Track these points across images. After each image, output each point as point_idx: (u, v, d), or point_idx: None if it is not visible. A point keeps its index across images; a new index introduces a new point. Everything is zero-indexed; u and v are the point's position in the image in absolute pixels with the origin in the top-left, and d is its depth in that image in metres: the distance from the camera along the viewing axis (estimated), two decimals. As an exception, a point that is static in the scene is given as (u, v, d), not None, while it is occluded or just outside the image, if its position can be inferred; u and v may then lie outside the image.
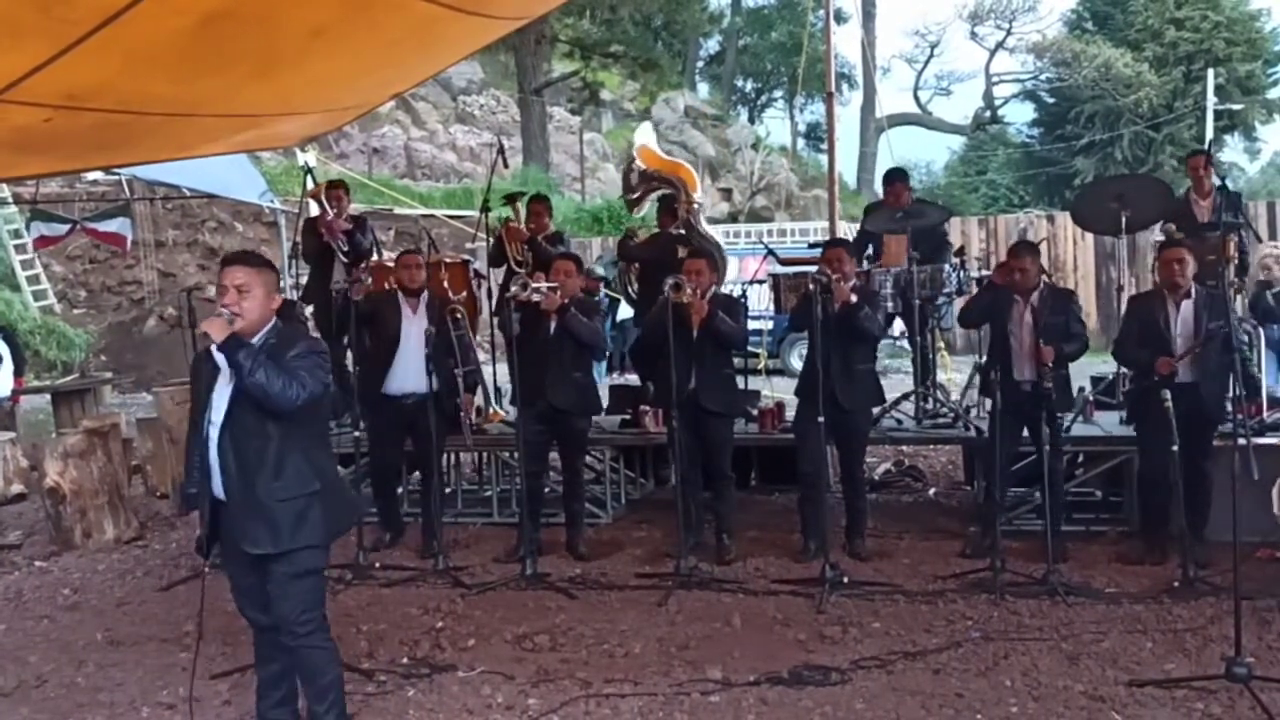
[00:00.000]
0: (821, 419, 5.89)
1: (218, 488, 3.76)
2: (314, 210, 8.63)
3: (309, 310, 8.50)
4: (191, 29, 3.29)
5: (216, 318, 3.66)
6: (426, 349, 6.44)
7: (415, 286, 6.65)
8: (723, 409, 6.50)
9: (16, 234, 16.56)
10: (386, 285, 7.16)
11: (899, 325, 7.93)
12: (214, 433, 3.74)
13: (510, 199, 8.29)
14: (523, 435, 6.36)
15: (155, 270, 18.33)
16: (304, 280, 8.74)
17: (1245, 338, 6.86)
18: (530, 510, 6.38)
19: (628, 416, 7.80)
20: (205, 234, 19.10)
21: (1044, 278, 6.30)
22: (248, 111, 4.77)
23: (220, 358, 3.65)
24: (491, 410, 6.83)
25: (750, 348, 7.84)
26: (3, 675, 4.96)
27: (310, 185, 8.77)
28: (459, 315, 6.36)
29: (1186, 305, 5.92)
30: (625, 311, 13.53)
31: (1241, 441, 4.53)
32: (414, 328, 6.60)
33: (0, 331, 11.02)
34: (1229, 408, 5.91)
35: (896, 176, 8.03)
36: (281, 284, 13.47)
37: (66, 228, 11.52)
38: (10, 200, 15.36)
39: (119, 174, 11.74)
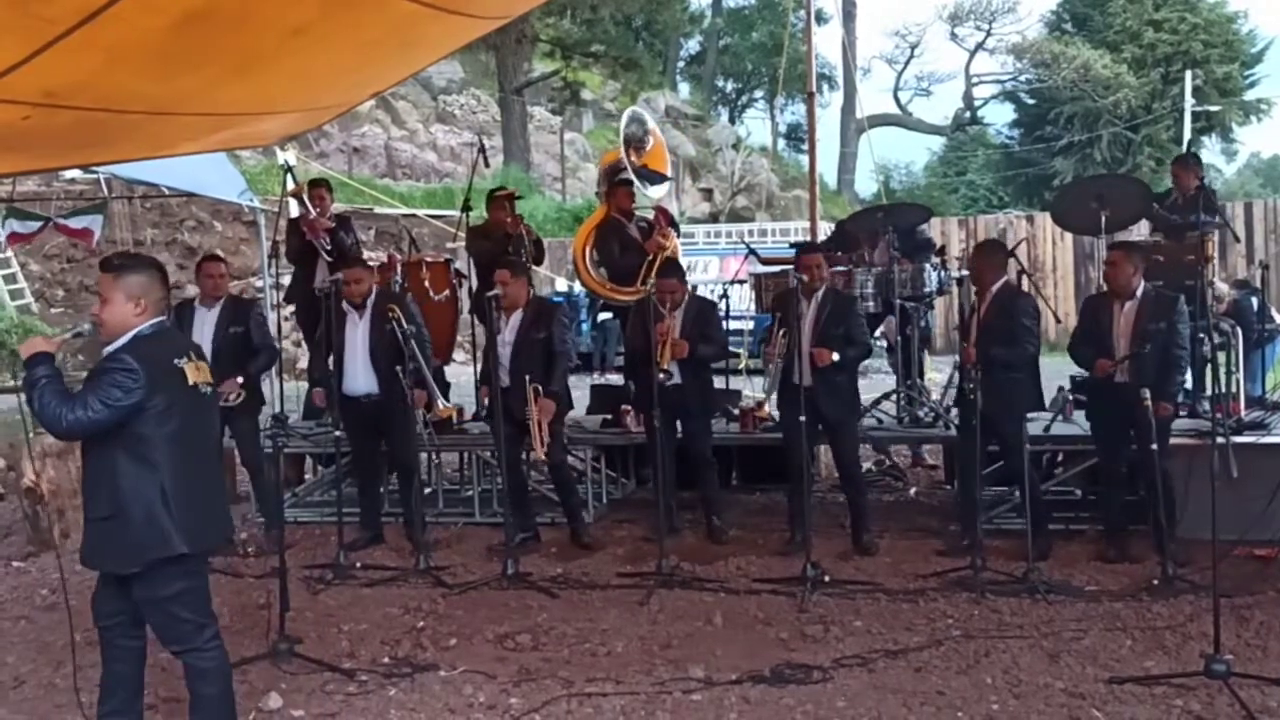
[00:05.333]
0: (803, 417, 5.94)
1: None
2: (294, 209, 8.58)
3: (290, 309, 8.43)
4: (171, 27, 3.26)
5: (38, 336, 3.71)
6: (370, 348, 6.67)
7: (357, 300, 6.75)
8: (702, 406, 6.72)
9: (-7, 233, 16.40)
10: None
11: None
12: None
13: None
14: (502, 432, 6.36)
15: (133, 269, 18.16)
16: (285, 280, 8.68)
17: (1221, 337, 6.92)
18: (515, 501, 6.50)
19: (609, 417, 7.80)
20: (184, 233, 18.95)
21: (1006, 278, 6.31)
22: (227, 110, 4.74)
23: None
24: (440, 406, 6.86)
25: (731, 347, 7.86)
26: (-20, 677, 4.91)
27: (290, 184, 8.71)
28: (394, 316, 6.46)
29: (1130, 306, 5.97)
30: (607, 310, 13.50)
31: (1221, 440, 4.57)
32: (358, 331, 6.76)
33: None
34: (1157, 409, 5.93)
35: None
36: (260, 283, 13.26)
37: (39, 224, 11.43)
38: (-15, 198, 15.19)
39: (97, 172, 11.64)
